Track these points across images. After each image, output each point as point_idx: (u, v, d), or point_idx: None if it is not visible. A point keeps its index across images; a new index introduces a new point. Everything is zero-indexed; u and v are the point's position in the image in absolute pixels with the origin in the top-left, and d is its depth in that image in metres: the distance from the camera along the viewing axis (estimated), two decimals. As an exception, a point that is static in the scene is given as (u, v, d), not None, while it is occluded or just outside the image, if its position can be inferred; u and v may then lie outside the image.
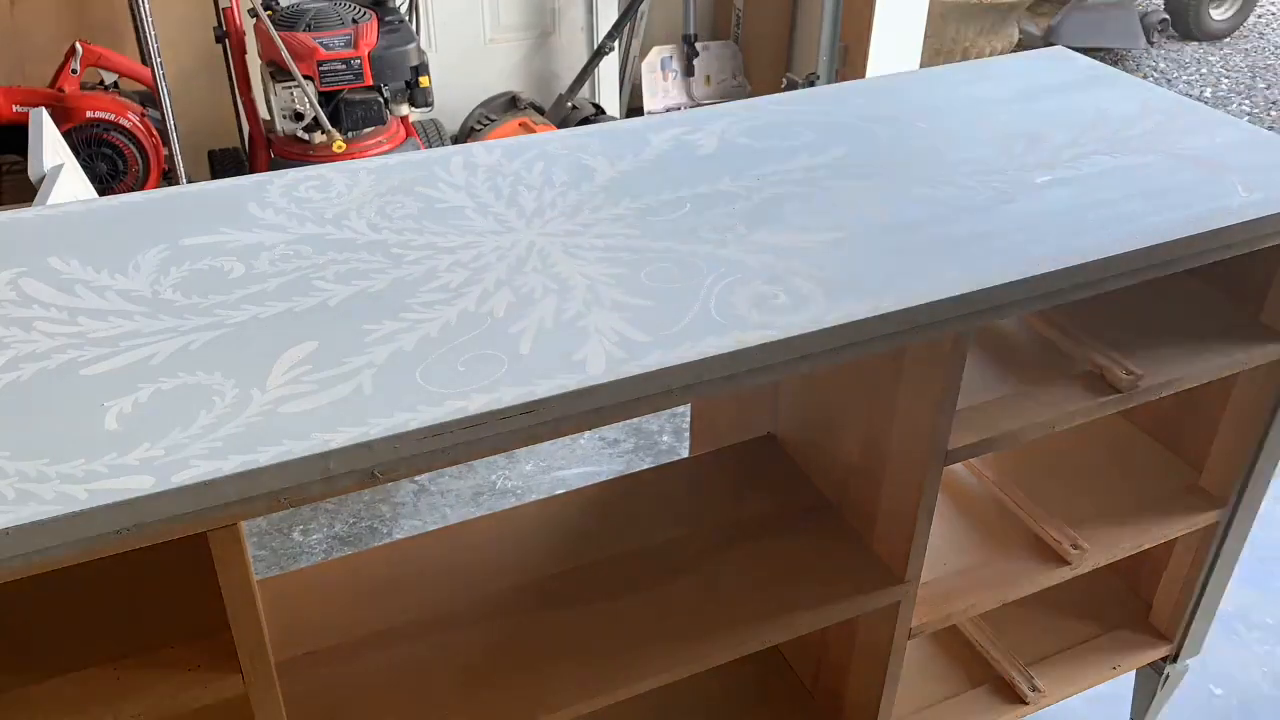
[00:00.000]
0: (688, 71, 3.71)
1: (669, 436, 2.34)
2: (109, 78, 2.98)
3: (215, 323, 0.86)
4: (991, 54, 4.32)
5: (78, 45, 2.82)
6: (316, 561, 2.00)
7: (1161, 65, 4.81)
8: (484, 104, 3.32)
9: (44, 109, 2.25)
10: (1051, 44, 3.48)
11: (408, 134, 2.94)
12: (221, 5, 2.84)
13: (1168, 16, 5.03)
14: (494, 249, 0.98)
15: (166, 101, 2.66)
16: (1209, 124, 1.24)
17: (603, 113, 3.35)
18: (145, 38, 2.62)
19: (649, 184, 1.10)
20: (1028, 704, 1.39)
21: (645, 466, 2.21)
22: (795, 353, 0.87)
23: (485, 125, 3.20)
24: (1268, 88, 4.58)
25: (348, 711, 1.00)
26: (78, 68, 2.82)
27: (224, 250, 0.97)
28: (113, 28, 3.02)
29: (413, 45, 2.82)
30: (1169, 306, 1.26)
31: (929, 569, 1.20)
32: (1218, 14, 5.05)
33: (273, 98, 2.79)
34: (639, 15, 3.48)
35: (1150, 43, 4.92)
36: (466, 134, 3.28)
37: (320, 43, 2.74)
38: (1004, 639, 1.47)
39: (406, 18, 3.05)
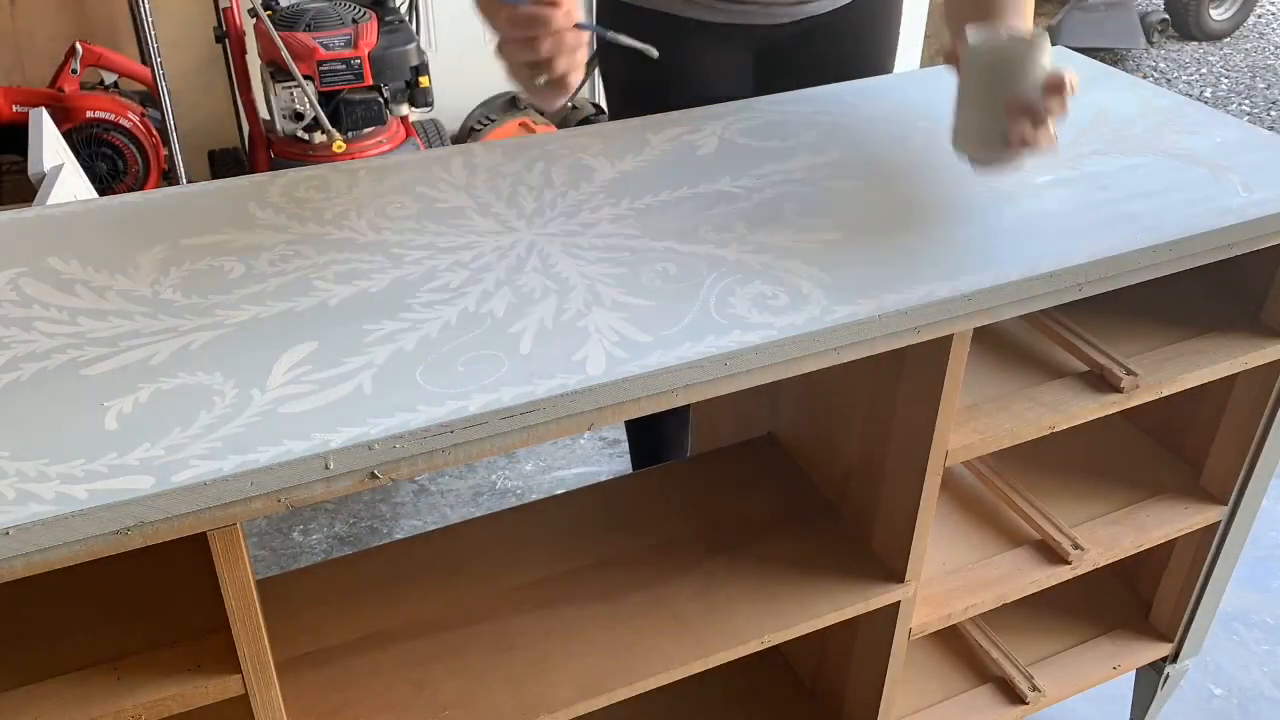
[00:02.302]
0: (688, 71, 3.70)
1: (669, 436, 2.33)
2: (109, 78, 2.98)
3: (215, 323, 0.86)
4: (991, 54, 4.31)
5: (78, 45, 2.82)
6: (316, 561, 2.00)
7: (1161, 65, 4.81)
8: (484, 104, 3.32)
9: (44, 109, 2.25)
10: (1051, 44, 3.48)
11: (408, 134, 2.94)
12: (221, 5, 2.84)
13: (1168, 16, 5.03)
14: (494, 249, 0.98)
15: (166, 101, 2.66)
16: (1209, 124, 1.24)
17: (603, 113, 3.35)
18: (145, 38, 2.62)
19: (649, 184, 1.10)
20: (1028, 704, 1.39)
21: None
22: (795, 353, 0.87)
23: (485, 125, 3.20)
24: (1268, 88, 4.58)
25: (348, 711, 1.00)
26: (78, 68, 2.82)
27: (224, 250, 0.97)
28: (113, 28, 3.03)
29: (413, 45, 2.82)
30: (1169, 306, 1.26)
31: (929, 569, 1.20)
32: (1218, 14, 5.05)
33: (273, 98, 2.79)
34: (639, 15, 3.48)
35: (1150, 43, 4.91)
36: (466, 134, 3.28)
37: (320, 43, 2.74)
38: (1004, 639, 1.47)
39: (406, 18, 3.05)
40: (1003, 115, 0.95)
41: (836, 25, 1.40)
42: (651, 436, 1.80)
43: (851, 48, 1.42)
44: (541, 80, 0.88)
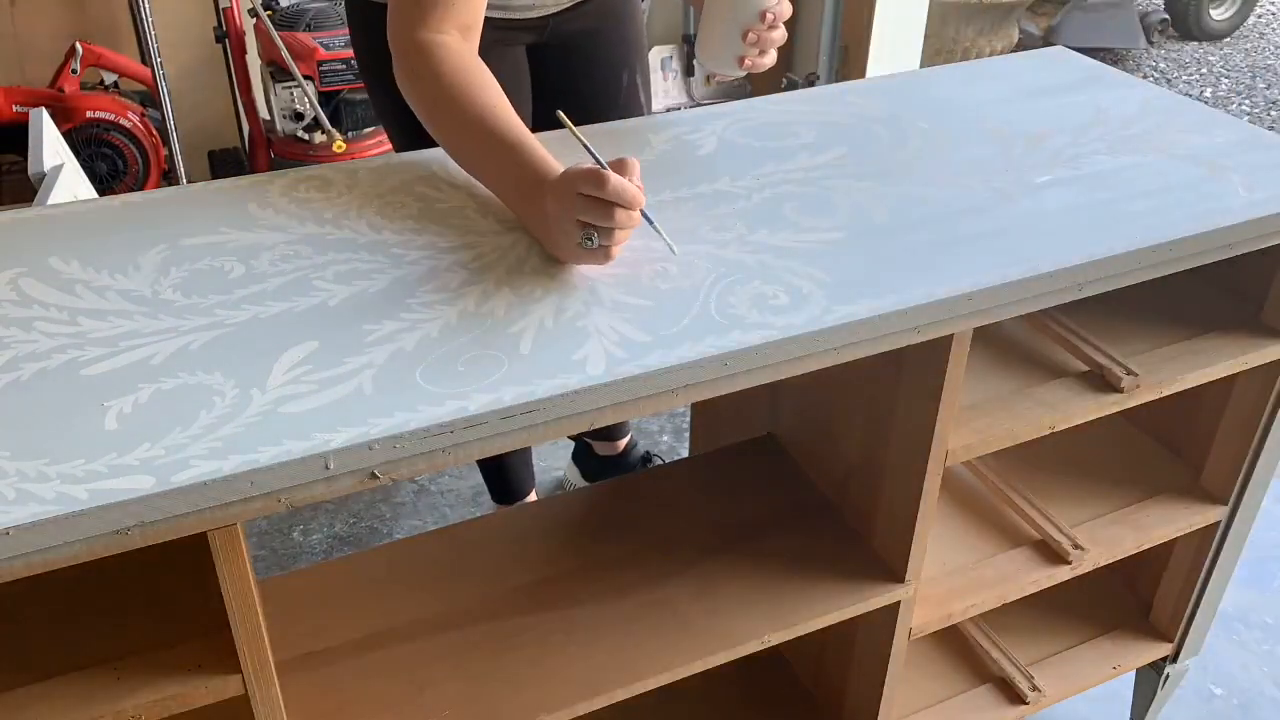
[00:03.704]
0: (688, 71, 3.71)
1: (669, 436, 2.34)
2: (109, 78, 2.98)
3: (215, 323, 0.86)
4: (991, 54, 4.32)
5: (78, 45, 2.82)
6: (316, 561, 2.00)
7: (1161, 65, 4.81)
8: (484, 104, 3.32)
9: (44, 109, 2.25)
10: (1051, 44, 3.48)
11: (408, 134, 2.94)
12: (221, 5, 2.84)
13: (1168, 16, 5.03)
14: (494, 249, 0.98)
15: (166, 101, 2.66)
16: (1209, 124, 1.24)
17: (603, 113, 3.34)
18: (145, 38, 2.62)
19: (649, 184, 1.10)
20: (1028, 704, 1.39)
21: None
22: (795, 353, 0.87)
23: (485, 125, 3.19)
24: (1268, 88, 4.58)
25: (348, 711, 1.00)
26: (78, 68, 2.82)
27: (224, 250, 0.97)
28: (113, 28, 3.03)
29: (413, 45, 2.82)
30: (1169, 306, 1.26)
31: (929, 569, 1.20)
32: (1218, 14, 5.05)
33: (273, 98, 2.79)
34: (639, 15, 3.48)
35: (1150, 43, 4.92)
36: (466, 134, 3.27)
37: (320, 43, 2.74)
38: (1004, 639, 1.46)
39: (406, 18, 3.05)
40: (735, 40, 1.15)
41: (583, 18, 1.53)
42: (500, 470, 1.91)
43: (597, 36, 1.57)
44: (593, 244, 0.91)
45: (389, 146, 2.86)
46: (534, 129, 1.05)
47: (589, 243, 0.91)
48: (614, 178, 0.89)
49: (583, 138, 0.96)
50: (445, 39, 1.06)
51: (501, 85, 1.06)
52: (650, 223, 0.96)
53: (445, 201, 1.06)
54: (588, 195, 0.90)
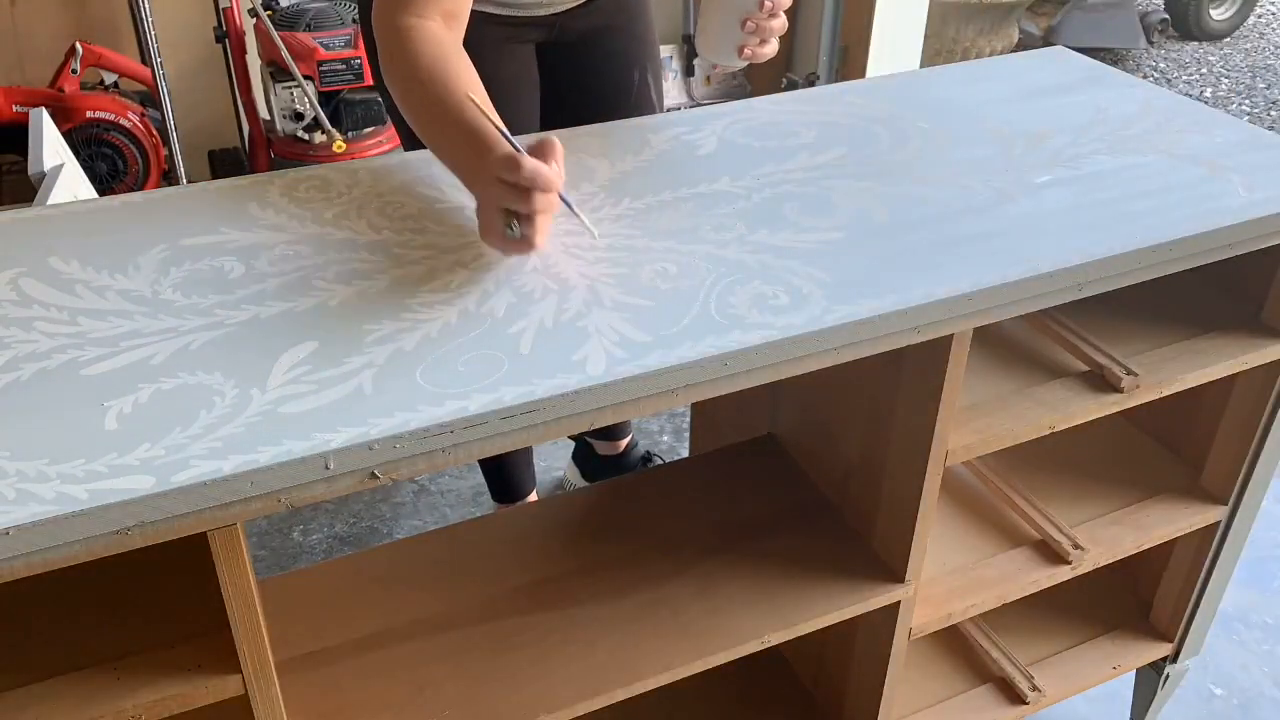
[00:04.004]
0: (688, 71, 3.71)
1: (669, 436, 2.34)
2: (109, 78, 2.98)
3: (215, 323, 0.86)
4: (991, 54, 4.32)
5: (78, 45, 2.82)
6: (316, 561, 2.00)
7: (1161, 65, 4.81)
8: (484, 104, 3.32)
9: (44, 109, 2.25)
10: (1051, 44, 3.48)
11: (408, 134, 2.94)
12: (221, 5, 2.84)
13: (1168, 16, 5.03)
14: (494, 249, 0.98)
15: (166, 101, 2.66)
16: (1209, 124, 1.24)
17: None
18: (145, 38, 2.62)
19: (649, 184, 1.10)
20: (1028, 704, 1.39)
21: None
22: (795, 353, 0.87)
23: (485, 125, 3.19)
24: (1268, 88, 4.58)
25: (348, 711, 1.00)
26: (78, 68, 2.82)
27: (224, 250, 0.97)
28: (113, 28, 3.03)
29: (413, 45, 2.82)
30: (1169, 306, 1.26)
31: (929, 569, 1.20)
32: (1218, 14, 5.05)
33: (273, 98, 2.79)
34: (639, 15, 3.48)
35: (1150, 43, 4.91)
36: (466, 134, 3.27)
37: (320, 43, 2.74)
38: (1004, 639, 1.47)
39: (406, 18, 3.05)
40: (734, 29, 1.14)
41: (593, 15, 1.53)
42: (500, 470, 1.91)
43: (608, 33, 1.57)
44: (516, 232, 0.90)
45: (389, 146, 2.87)
46: (543, 128, 1.05)
47: (511, 231, 0.90)
48: (529, 161, 0.88)
49: (500, 123, 0.94)
50: (428, 24, 1.05)
51: (509, 83, 1.04)
52: (569, 205, 0.96)
53: (445, 201, 1.06)
54: (505, 180, 0.89)
